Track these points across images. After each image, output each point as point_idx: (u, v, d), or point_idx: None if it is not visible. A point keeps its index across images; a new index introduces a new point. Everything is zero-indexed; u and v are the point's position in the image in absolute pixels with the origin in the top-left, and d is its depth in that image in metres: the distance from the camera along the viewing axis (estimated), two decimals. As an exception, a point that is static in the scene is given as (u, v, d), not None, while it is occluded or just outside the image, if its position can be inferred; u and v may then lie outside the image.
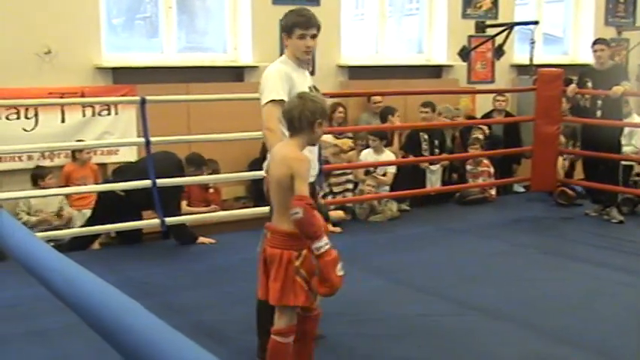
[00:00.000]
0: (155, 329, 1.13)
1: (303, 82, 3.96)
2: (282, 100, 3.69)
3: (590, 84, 7.47)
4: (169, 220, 6.18)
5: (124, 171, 6.51)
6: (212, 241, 6.36)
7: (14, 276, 4.50)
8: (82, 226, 6.47)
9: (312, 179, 3.95)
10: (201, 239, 6.37)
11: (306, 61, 4.07)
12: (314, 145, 3.61)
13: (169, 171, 6.20)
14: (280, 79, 3.80)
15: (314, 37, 3.96)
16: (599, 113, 7.38)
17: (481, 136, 8.43)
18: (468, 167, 8.38)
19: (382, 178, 7.68)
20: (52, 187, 6.57)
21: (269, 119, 3.74)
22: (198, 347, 1.05)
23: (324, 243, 3.16)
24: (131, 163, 6.83)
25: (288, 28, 3.95)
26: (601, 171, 7.52)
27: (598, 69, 7.41)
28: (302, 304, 3.33)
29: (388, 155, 7.77)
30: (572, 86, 7.53)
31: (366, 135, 7.90)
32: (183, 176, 6.44)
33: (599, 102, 7.36)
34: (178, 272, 5.59)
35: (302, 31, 3.91)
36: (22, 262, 1.58)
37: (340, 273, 3.18)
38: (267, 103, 3.77)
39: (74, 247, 6.21)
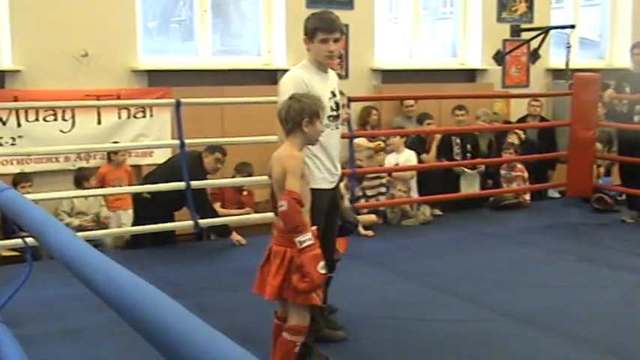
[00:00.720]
0: (198, 330, 1.13)
1: (324, 86, 3.89)
2: None
3: (628, 89, 7.37)
4: (202, 222, 6.22)
5: (150, 174, 6.62)
6: (244, 242, 6.38)
7: (49, 275, 4.56)
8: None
9: (331, 185, 3.94)
10: (235, 236, 6.39)
11: (329, 65, 4.00)
12: (312, 144, 3.59)
13: (177, 171, 6.19)
14: (294, 88, 3.73)
15: (336, 41, 3.87)
16: (636, 118, 7.30)
17: (516, 141, 8.35)
18: (502, 172, 8.31)
19: (405, 173, 7.60)
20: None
21: None
22: (240, 348, 1.05)
23: (306, 238, 3.22)
24: (158, 165, 6.87)
25: (310, 31, 3.87)
26: (638, 177, 7.41)
27: (637, 73, 7.31)
28: (305, 302, 3.39)
29: (408, 153, 7.70)
30: (610, 91, 7.44)
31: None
32: (202, 172, 6.42)
33: (638, 107, 7.26)
34: (211, 274, 5.61)
35: (324, 35, 3.84)
36: (64, 260, 1.60)
37: (322, 271, 3.22)
38: None
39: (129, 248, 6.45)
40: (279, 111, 3.49)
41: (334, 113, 3.95)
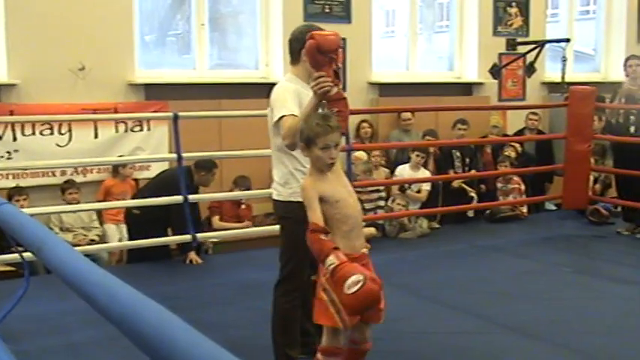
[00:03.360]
0: (200, 345, 1.14)
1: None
2: (292, 114, 3.59)
3: (623, 100, 7.41)
4: (201, 235, 6.21)
5: (140, 190, 6.70)
6: (199, 261, 6.27)
7: (46, 290, 4.53)
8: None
9: None
10: (192, 255, 6.25)
11: None
12: (321, 170, 3.27)
13: (165, 187, 6.22)
14: (290, 97, 3.71)
15: None
16: (632, 129, 7.30)
17: (512, 154, 8.37)
18: (499, 185, 8.32)
19: (417, 195, 7.65)
20: (74, 203, 6.59)
21: (286, 130, 3.60)
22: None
23: (329, 262, 2.99)
24: (148, 181, 6.86)
25: (304, 44, 3.82)
26: (634, 189, 7.42)
27: (631, 85, 7.35)
28: (325, 323, 3.27)
29: (424, 172, 7.74)
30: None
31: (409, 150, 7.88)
32: (192, 186, 6.33)
33: (632, 117, 7.29)
34: (207, 288, 5.59)
35: None
36: (64, 276, 1.60)
37: (349, 290, 2.88)
38: (280, 119, 3.66)
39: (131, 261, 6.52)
40: None
41: None
